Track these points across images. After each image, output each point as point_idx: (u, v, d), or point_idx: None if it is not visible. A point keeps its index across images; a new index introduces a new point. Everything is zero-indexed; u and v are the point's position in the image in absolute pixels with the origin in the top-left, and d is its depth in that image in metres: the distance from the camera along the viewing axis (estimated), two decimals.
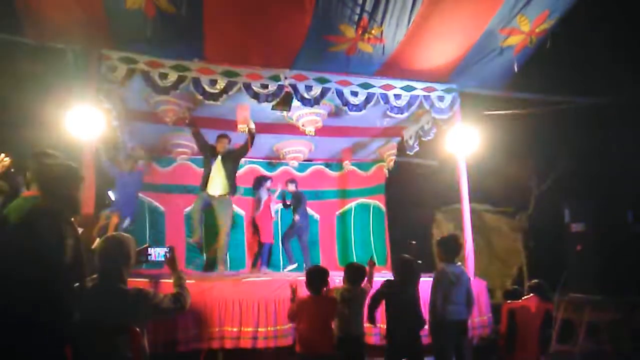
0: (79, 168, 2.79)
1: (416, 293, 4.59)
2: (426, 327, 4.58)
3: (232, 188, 7.13)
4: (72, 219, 2.69)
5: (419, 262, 4.62)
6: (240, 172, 9.14)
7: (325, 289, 4.24)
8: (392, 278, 4.73)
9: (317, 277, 4.21)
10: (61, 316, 2.53)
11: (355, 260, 9.00)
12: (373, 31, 5.58)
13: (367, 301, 4.49)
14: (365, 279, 4.52)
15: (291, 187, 8.54)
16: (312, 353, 4.00)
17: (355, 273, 4.49)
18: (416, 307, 4.55)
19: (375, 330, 5.26)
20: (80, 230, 3.22)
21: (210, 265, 7.79)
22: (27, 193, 2.72)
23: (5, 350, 2.33)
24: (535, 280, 5.23)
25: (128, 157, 7.45)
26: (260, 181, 8.75)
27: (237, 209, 9.07)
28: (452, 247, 4.69)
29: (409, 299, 4.48)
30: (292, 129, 7.57)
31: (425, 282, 4.76)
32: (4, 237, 2.49)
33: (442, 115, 6.71)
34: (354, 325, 4.29)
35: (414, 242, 4.65)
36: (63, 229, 2.55)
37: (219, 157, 7.09)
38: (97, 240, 3.19)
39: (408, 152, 8.37)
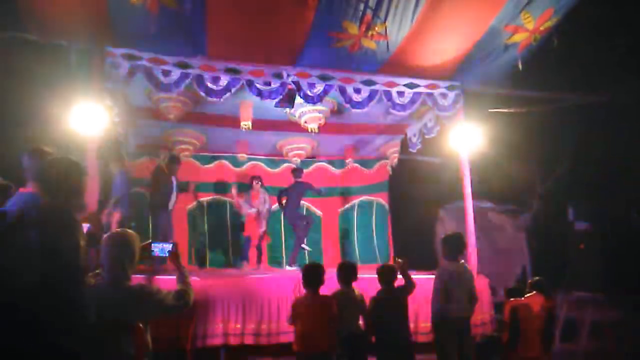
0: (82, 163, 2.74)
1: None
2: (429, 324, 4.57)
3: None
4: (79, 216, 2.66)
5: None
6: (243, 168, 9.20)
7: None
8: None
9: (312, 275, 4.18)
10: (80, 318, 2.48)
11: (358, 257, 9.02)
12: (376, 28, 5.56)
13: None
14: (357, 277, 4.44)
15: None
16: (309, 352, 3.98)
17: (347, 273, 4.42)
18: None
19: None
20: (89, 226, 3.21)
21: None
22: (23, 189, 2.66)
23: (24, 353, 2.29)
24: (536, 278, 5.21)
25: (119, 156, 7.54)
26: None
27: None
28: (456, 245, 4.69)
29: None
30: (295, 126, 7.56)
31: (428, 280, 4.75)
32: (15, 237, 2.41)
33: (446, 112, 6.69)
34: (355, 324, 4.28)
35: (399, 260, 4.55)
36: (76, 227, 2.50)
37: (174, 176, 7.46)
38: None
39: (411, 150, 8.36)
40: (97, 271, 2.82)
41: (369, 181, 9.91)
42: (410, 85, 6.53)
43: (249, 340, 5.16)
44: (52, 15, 5.15)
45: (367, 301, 4.45)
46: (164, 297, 2.87)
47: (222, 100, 6.02)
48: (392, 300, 4.34)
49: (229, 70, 5.97)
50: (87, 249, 2.64)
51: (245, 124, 6.92)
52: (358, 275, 4.47)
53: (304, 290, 4.25)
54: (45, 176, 2.59)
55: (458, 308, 4.47)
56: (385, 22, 5.50)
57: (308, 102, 6.36)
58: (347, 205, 9.84)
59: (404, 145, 8.77)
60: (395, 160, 9.18)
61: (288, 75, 6.14)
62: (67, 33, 5.42)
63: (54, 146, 3.03)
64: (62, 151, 3.10)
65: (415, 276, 4.58)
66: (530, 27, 5.79)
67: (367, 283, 4.74)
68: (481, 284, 6.03)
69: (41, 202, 2.49)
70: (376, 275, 4.49)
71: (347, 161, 9.63)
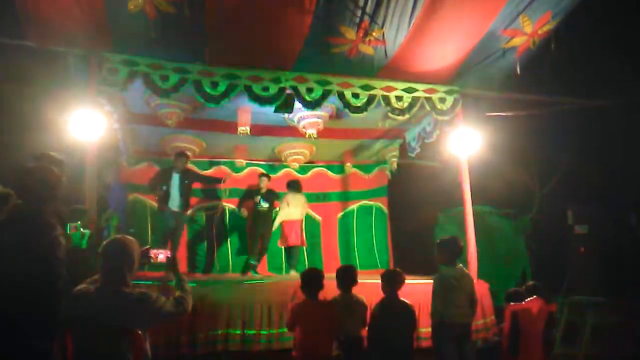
0: (53, 170, 2.84)
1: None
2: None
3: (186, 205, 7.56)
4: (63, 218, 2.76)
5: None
6: (241, 174, 9.18)
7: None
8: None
9: (311, 280, 4.16)
10: (47, 312, 2.57)
11: (357, 263, 8.99)
12: (374, 33, 5.56)
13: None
14: (357, 282, 4.41)
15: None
16: (309, 358, 3.95)
17: (345, 278, 4.40)
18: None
19: None
20: (86, 230, 3.24)
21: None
22: None
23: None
24: (531, 283, 5.21)
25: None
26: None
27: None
28: (452, 249, 4.66)
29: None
30: (293, 132, 7.56)
31: (428, 285, 4.73)
32: None
33: (444, 116, 6.69)
34: (354, 329, 4.25)
35: None
36: (44, 226, 2.61)
37: (177, 174, 7.40)
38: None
39: (410, 154, 8.35)
40: (95, 277, 2.81)
41: (368, 186, 9.89)
42: (408, 90, 6.53)
43: (249, 346, 5.13)
44: (50, 21, 5.15)
45: (370, 306, 4.44)
46: (163, 304, 2.86)
47: (220, 105, 6.02)
48: (394, 306, 4.30)
49: (227, 76, 5.96)
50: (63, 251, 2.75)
51: (243, 129, 6.91)
52: (358, 281, 4.44)
53: (302, 296, 4.23)
54: (21, 183, 2.69)
55: (458, 313, 4.45)
56: (382, 27, 5.50)
57: (306, 107, 6.35)
58: (346, 210, 9.82)
59: (403, 150, 8.77)
60: (395, 164, 9.18)
61: (286, 81, 6.14)
62: (65, 39, 5.41)
63: (58, 152, 3.09)
64: (58, 155, 3.15)
65: (415, 281, 4.57)
66: (528, 30, 5.79)
67: (367, 288, 4.72)
68: (481, 289, 6.01)
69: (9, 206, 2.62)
70: (379, 280, 4.45)
71: (346, 166, 9.63)
